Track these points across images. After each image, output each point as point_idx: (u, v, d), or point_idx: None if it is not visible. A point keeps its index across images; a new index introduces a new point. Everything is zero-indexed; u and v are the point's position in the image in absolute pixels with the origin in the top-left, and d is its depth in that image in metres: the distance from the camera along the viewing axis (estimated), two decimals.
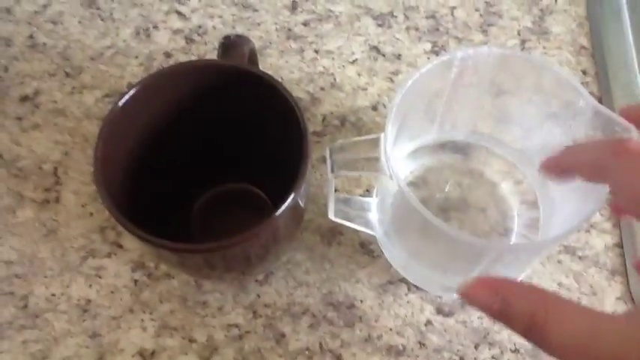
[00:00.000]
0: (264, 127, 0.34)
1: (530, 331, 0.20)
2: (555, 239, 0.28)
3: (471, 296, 0.22)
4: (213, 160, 0.36)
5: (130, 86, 0.31)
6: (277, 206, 0.29)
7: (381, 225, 0.35)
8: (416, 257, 0.34)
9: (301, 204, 0.32)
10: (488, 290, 0.21)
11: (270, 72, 0.40)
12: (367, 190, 0.38)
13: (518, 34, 0.44)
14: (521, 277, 0.34)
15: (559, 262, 0.35)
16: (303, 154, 0.30)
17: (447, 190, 0.37)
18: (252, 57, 0.35)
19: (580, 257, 0.35)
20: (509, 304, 0.21)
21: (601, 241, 0.36)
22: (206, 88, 0.34)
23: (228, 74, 0.32)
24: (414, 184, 0.37)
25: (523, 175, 0.37)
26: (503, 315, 0.21)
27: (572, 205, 0.30)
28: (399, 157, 0.37)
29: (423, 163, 0.38)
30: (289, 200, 0.29)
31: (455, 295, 0.34)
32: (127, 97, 0.31)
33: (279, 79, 0.41)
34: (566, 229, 0.27)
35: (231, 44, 0.34)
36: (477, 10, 0.45)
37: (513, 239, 0.35)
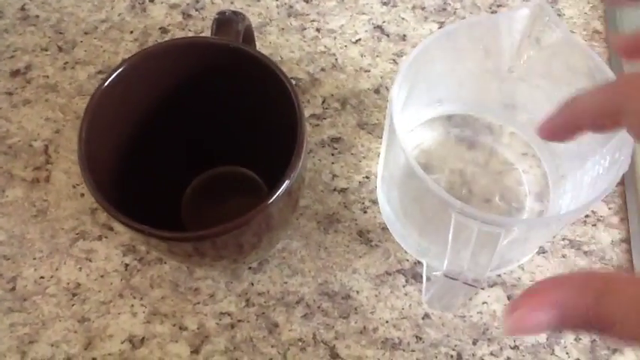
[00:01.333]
0: (258, 108, 0.33)
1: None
2: (576, 211, 0.26)
3: (525, 324, 0.18)
4: (205, 141, 0.35)
5: (117, 65, 0.30)
6: (271, 191, 0.27)
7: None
8: (427, 236, 0.32)
9: (296, 190, 0.31)
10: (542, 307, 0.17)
11: (269, 51, 0.39)
12: (366, 177, 0.37)
13: None
14: (525, 259, 0.33)
15: (564, 256, 0.34)
16: (298, 139, 0.28)
17: (449, 173, 0.36)
18: (249, 35, 0.34)
19: (585, 252, 0.34)
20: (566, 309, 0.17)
21: (608, 235, 0.35)
22: (198, 66, 0.32)
23: (221, 53, 0.31)
24: (421, 158, 0.36)
25: (535, 152, 0.35)
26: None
27: (584, 185, 0.29)
28: (406, 130, 0.36)
29: (430, 137, 0.37)
30: (283, 187, 0.28)
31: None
32: (113, 76, 0.30)
33: (279, 59, 0.40)
34: (580, 205, 0.25)
35: (225, 21, 0.32)
36: None
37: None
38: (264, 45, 0.41)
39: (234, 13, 0.32)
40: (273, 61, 0.29)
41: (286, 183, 0.28)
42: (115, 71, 0.30)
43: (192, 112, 0.33)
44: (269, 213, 0.28)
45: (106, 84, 0.30)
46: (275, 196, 0.27)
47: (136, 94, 0.31)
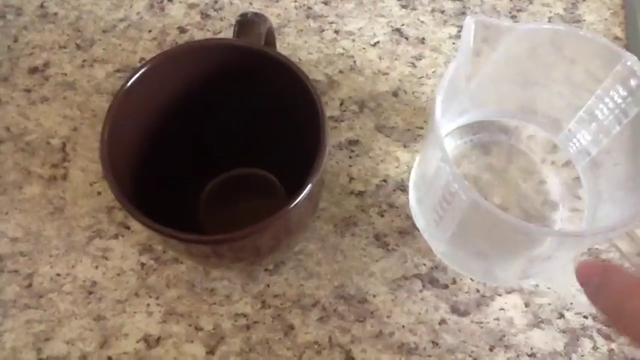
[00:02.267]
0: (279, 111, 0.33)
1: None
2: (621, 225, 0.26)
3: None
4: (225, 143, 0.35)
5: (139, 66, 0.30)
6: (291, 194, 0.27)
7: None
8: (456, 241, 0.32)
9: (316, 193, 0.30)
10: None
11: (287, 52, 0.39)
12: (384, 181, 0.37)
13: (549, 20, 0.42)
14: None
15: None
16: (320, 144, 0.28)
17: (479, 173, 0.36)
18: (270, 37, 0.34)
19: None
20: None
21: (626, 244, 0.34)
22: (219, 68, 0.32)
23: (243, 55, 0.31)
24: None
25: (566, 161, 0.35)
26: None
27: (622, 197, 0.29)
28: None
29: (462, 142, 0.37)
30: (305, 191, 0.27)
31: (497, 282, 0.33)
32: (135, 76, 0.30)
33: (297, 60, 0.40)
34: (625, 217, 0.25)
35: (247, 23, 0.32)
36: None
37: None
38: (282, 46, 0.41)
39: (256, 14, 0.32)
40: (296, 64, 0.29)
41: (308, 187, 0.27)
42: (138, 71, 0.30)
43: (213, 113, 0.33)
44: (290, 217, 0.28)
45: (128, 84, 0.30)
46: (297, 200, 0.27)
47: (156, 95, 0.31)
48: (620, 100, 0.30)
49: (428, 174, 0.31)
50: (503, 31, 0.28)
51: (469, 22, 0.28)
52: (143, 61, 0.39)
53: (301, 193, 0.27)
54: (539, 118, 0.35)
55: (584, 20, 0.42)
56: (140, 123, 0.32)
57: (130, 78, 0.30)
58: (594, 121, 0.32)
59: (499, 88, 0.34)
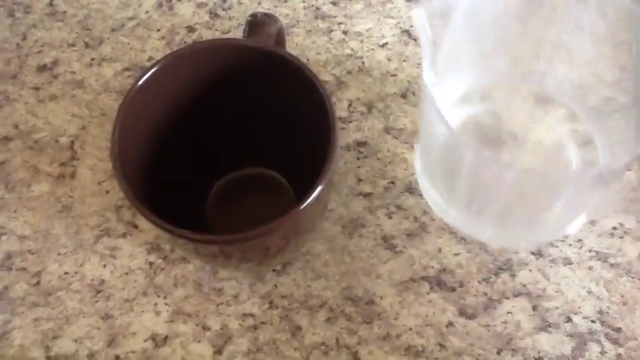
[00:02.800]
0: (288, 111, 0.33)
1: None
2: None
3: None
4: (232, 142, 0.35)
5: (150, 65, 0.30)
6: (300, 194, 0.27)
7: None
8: (471, 210, 0.33)
9: (326, 195, 0.31)
10: None
11: (296, 52, 0.39)
12: (392, 182, 0.37)
13: None
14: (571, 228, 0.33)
15: (590, 268, 0.34)
16: (330, 145, 0.28)
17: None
18: (280, 37, 0.34)
19: (612, 265, 0.34)
20: None
21: (635, 249, 0.34)
22: (229, 68, 0.32)
23: (253, 55, 0.31)
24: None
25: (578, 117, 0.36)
26: None
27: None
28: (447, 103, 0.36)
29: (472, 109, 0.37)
30: (315, 193, 0.28)
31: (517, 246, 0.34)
32: (146, 76, 0.30)
33: (305, 61, 0.40)
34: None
35: (258, 23, 0.32)
36: None
37: None
38: (290, 46, 0.41)
39: (267, 15, 0.32)
40: (308, 66, 0.29)
41: (318, 189, 0.27)
42: (148, 71, 0.30)
43: (219, 113, 0.33)
44: (299, 219, 0.28)
45: (139, 83, 0.30)
46: (307, 202, 0.27)
47: (166, 94, 0.31)
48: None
49: (432, 144, 0.32)
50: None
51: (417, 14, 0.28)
52: (153, 61, 0.39)
53: (312, 194, 0.28)
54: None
55: None
56: (149, 122, 0.32)
57: (141, 77, 0.30)
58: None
59: (477, 49, 0.34)
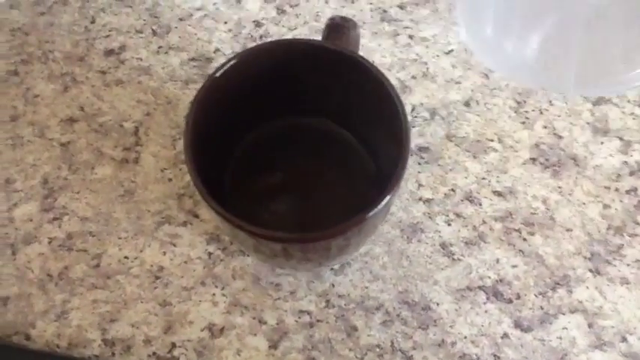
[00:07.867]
0: (360, 117, 0.33)
1: None
2: None
3: None
4: (299, 143, 0.35)
5: (230, 57, 0.30)
6: (372, 204, 0.28)
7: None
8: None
9: (392, 199, 0.31)
10: None
11: (361, 54, 0.39)
12: (452, 190, 0.37)
13: None
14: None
15: None
16: (402, 155, 0.29)
17: None
18: (356, 42, 0.34)
19: None
20: None
21: None
22: (305, 68, 0.32)
23: (333, 58, 0.31)
24: None
25: None
26: None
27: None
28: None
29: None
30: (384, 202, 0.28)
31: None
32: (225, 67, 0.31)
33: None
34: None
35: (337, 26, 0.32)
36: None
37: None
38: None
39: (345, 19, 0.33)
40: (386, 77, 0.29)
41: (387, 198, 0.28)
42: (227, 63, 0.31)
43: (292, 111, 0.34)
44: (366, 224, 0.29)
45: (217, 75, 0.31)
46: (376, 209, 0.28)
47: (240, 87, 0.32)
48: None
49: None
50: None
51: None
52: (222, 53, 0.40)
53: (381, 202, 0.28)
54: None
55: None
56: (219, 113, 0.32)
57: (220, 69, 0.31)
58: None
59: None
